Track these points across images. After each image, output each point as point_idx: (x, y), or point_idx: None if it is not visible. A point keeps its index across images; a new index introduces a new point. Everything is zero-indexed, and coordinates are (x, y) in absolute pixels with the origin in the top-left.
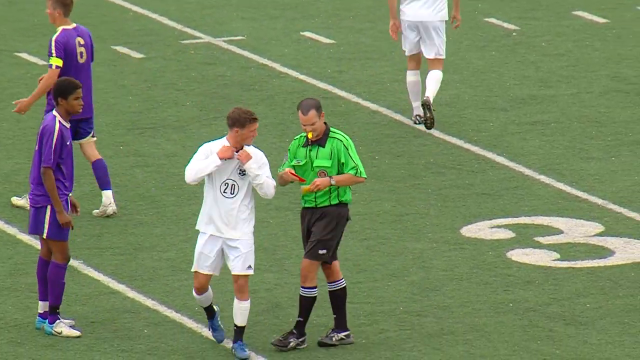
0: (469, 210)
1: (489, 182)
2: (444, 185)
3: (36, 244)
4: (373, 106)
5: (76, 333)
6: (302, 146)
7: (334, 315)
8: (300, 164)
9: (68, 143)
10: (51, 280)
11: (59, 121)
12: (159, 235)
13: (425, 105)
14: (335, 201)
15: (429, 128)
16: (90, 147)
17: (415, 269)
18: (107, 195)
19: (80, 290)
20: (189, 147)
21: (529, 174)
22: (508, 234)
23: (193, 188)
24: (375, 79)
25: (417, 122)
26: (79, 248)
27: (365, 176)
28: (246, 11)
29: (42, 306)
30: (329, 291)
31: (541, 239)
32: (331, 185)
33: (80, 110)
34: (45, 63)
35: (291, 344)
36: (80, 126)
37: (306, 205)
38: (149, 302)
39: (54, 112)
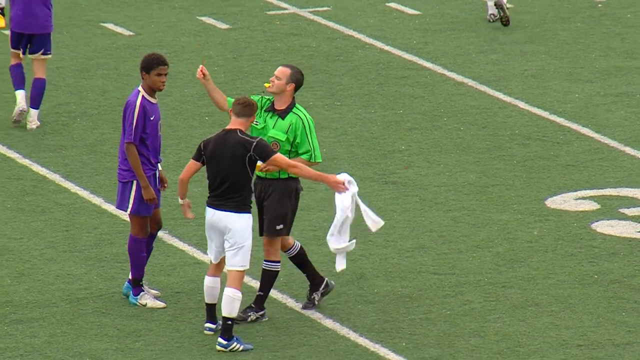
0: (554, 181)
1: (574, 154)
2: (529, 157)
3: (121, 214)
4: (458, 77)
5: (161, 304)
6: (265, 110)
7: (259, 293)
8: (258, 126)
9: (152, 118)
10: (131, 254)
11: (143, 96)
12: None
13: (497, 5)
14: (284, 175)
15: (505, 25)
16: (38, 63)
17: (500, 240)
18: (21, 95)
19: (166, 260)
20: None
21: (614, 145)
22: (593, 206)
23: None
24: (461, 50)
25: (492, 20)
26: (165, 218)
27: (320, 160)
28: None
29: None
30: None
31: (626, 211)
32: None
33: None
34: (130, 33)
35: (250, 317)
36: (33, 41)
37: (257, 174)
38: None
39: (140, 87)
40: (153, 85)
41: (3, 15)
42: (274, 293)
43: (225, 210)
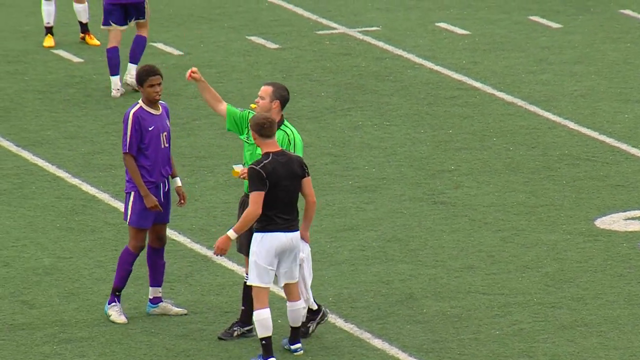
0: (603, 201)
1: (624, 174)
2: (578, 177)
3: (171, 234)
4: (508, 97)
5: (123, 320)
6: None
7: (242, 307)
8: (250, 141)
9: (151, 129)
10: (119, 264)
11: (140, 107)
12: None
13: None
14: None
15: None
16: (139, 25)
17: (549, 261)
18: (130, 73)
19: (214, 280)
20: (323, 138)
21: None
22: None
23: (328, 179)
24: (510, 70)
25: None
26: (213, 238)
27: None
28: (381, 2)
29: (152, 292)
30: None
31: None
32: None
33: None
34: (180, 53)
35: (235, 332)
36: (130, 11)
37: (246, 192)
38: (283, 293)
39: (140, 100)
40: (148, 96)
41: (52, 34)
42: None
43: (296, 230)
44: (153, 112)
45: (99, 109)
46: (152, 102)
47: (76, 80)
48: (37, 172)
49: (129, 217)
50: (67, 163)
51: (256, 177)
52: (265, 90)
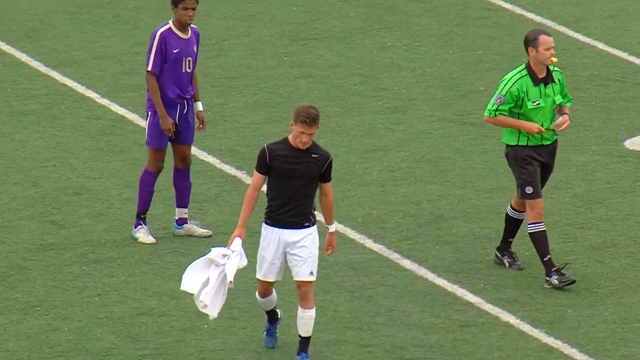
0: (632, 122)
1: None
2: (607, 98)
3: (200, 154)
4: (537, 18)
5: (151, 240)
6: (535, 85)
7: (545, 259)
8: (540, 105)
9: (175, 51)
10: (140, 185)
11: (169, 28)
12: (323, 145)
13: None
14: (556, 135)
15: None
16: None
17: (578, 182)
18: None
19: (243, 200)
20: (352, 58)
21: None
22: None
23: (357, 100)
24: None
25: None
26: (242, 159)
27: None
28: None
29: (178, 213)
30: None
31: None
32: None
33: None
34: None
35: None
36: None
37: (545, 143)
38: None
39: (170, 20)
40: (180, 18)
41: None
42: (352, 234)
43: None
44: (181, 36)
45: (127, 29)
46: (182, 26)
47: (105, 0)
48: (67, 93)
49: (146, 137)
50: (96, 83)
51: None
52: (552, 39)
